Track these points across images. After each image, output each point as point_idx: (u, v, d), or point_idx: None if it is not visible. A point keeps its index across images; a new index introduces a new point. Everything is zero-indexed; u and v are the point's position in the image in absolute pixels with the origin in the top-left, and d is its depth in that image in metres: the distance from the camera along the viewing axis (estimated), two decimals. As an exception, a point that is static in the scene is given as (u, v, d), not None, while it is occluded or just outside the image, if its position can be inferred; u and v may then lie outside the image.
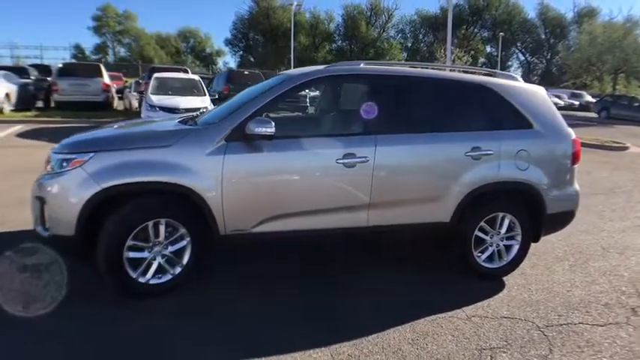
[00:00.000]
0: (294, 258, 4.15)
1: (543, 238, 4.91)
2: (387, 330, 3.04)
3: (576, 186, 4.11)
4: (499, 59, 49.88)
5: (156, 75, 11.76)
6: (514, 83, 3.99)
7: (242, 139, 3.26)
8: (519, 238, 3.90)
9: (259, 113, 3.33)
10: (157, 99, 10.18)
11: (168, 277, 3.34)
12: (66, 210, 3.12)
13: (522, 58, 61.63)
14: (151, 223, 3.20)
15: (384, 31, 61.36)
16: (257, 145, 3.30)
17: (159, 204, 3.23)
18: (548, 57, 58.28)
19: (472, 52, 34.63)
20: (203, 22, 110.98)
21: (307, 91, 10.55)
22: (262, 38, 61.56)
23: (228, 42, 65.24)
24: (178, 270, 3.36)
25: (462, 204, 3.66)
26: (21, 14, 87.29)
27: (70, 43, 67.30)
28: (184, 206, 3.26)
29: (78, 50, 61.87)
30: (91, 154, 3.16)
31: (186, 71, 15.94)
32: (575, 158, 4.00)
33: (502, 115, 3.83)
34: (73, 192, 3.11)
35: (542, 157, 3.86)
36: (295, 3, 40.93)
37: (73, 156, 3.20)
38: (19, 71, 16.21)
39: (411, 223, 3.62)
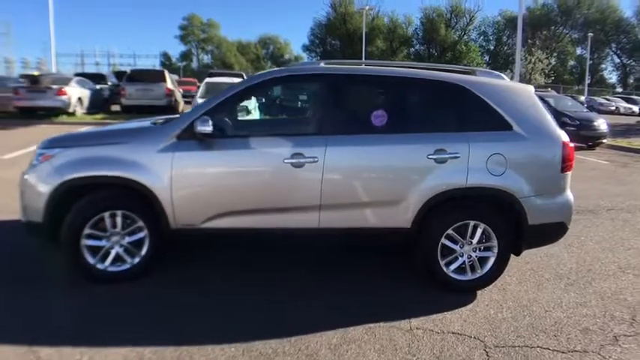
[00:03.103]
0: (249, 256, 4.16)
1: (551, 252, 4.58)
2: (315, 332, 2.96)
3: (568, 195, 3.71)
4: (588, 61, 45.93)
5: (207, 80, 12.37)
6: (493, 81, 3.69)
7: (192, 138, 3.36)
8: (495, 249, 3.59)
9: (211, 113, 3.40)
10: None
11: (127, 266, 3.52)
12: (35, 199, 3.42)
13: (617, 60, 56.28)
14: (107, 214, 3.40)
15: (464, 33, 59.25)
16: (208, 143, 3.38)
17: (113, 196, 3.43)
18: (648, 59, 52.60)
19: (555, 54, 32.24)
20: (282, 28, 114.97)
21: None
22: (339, 43, 62.21)
23: (305, 48, 66.76)
24: (137, 260, 3.53)
25: (424, 210, 3.45)
26: (118, 25, 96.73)
27: (160, 51, 72.92)
28: (139, 200, 3.42)
29: (165, 58, 66.87)
30: (58, 150, 3.44)
31: (241, 76, 16.58)
32: (565, 164, 3.61)
33: (475, 116, 3.56)
34: (41, 183, 3.41)
35: (523, 162, 3.53)
36: (367, 7, 40.87)
37: (45, 151, 3.50)
38: (97, 77, 17.86)
39: (366, 227, 3.48)
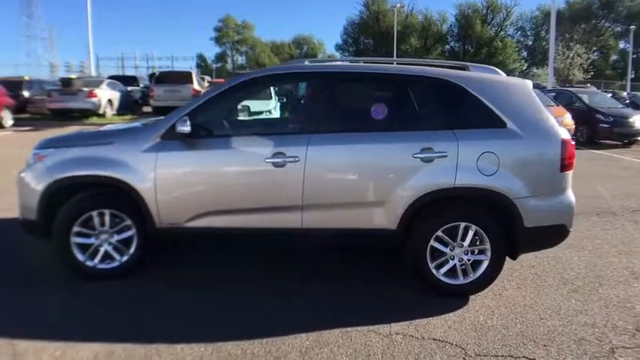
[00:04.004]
0: (238, 256, 4.16)
1: (559, 256, 4.35)
2: (290, 334, 2.90)
3: (569, 196, 3.50)
4: (631, 55, 43.49)
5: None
6: (486, 76, 3.51)
7: (175, 138, 3.38)
8: (489, 253, 3.42)
9: (193, 113, 3.40)
10: (222, 102, 10.75)
11: (116, 263, 3.58)
12: (30, 197, 3.52)
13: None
14: (95, 213, 3.46)
15: (501, 29, 57.63)
16: (190, 143, 3.38)
17: (101, 195, 3.49)
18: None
19: (595, 49, 30.81)
20: (316, 28, 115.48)
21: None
22: (372, 42, 61.79)
23: (338, 47, 66.61)
24: (126, 258, 3.58)
25: (411, 211, 3.33)
26: (157, 29, 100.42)
27: (196, 53, 74.69)
28: (126, 199, 3.46)
29: (201, 60, 68.37)
30: (51, 150, 3.54)
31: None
32: (565, 163, 3.40)
33: (466, 113, 3.41)
34: (35, 182, 3.51)
35: (517, 161, 3.36)
36: (399, 5, 40.43)
37: (40, 151, 3.61)
38: (129, 80, 18.42)
39: (350, 228, 3.40)
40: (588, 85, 24.93)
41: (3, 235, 4.58)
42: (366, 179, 3.35)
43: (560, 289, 3.73)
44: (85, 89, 14.75)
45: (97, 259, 3.54)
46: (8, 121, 13.14)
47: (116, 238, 3.54)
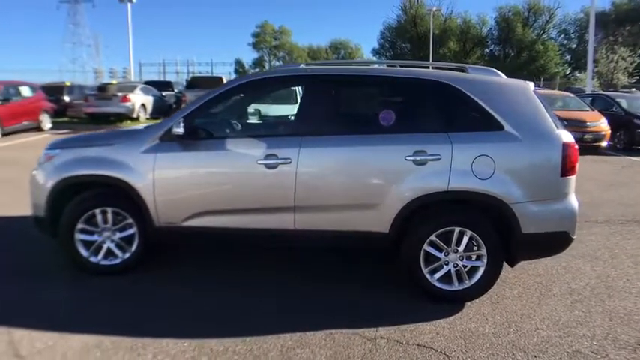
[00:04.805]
0: (231, 256, 4.22)
1: (571, 265, 4.21)
2: (273, 334, 2.93)
3: (572, 202, 3.37)
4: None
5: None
6: (484, 78, 3.43)
7: (172, 139, 3.48)
8: (485, 259, 3.34)
9: (190, 116, 3.50)
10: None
11: (119, 260, 3.71)
12: (39, 195, 3.72)
13: None
14: (98, 211, 3.62)
15: (543, 32, 55.84)
16: (187, 144, 3.48)
17: (103, 194, 3.64)
18: None
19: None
20: (353, 33, 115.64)
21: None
22: (410, 46, 61.19)
23: (375, 52, 66.23)
24: (128, 255, 3.71)
25: (403, 214, 3.30)
26: (197, 35, 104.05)
27: (235, 58, 76.40)
28: (127, 198, 3.59)
29: (239, 65, 69.75)
30: (58, 151, 3.73)
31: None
32: (566, 167, 3.28)
33: (462, 115, 3.36)
34: (44, 181, 3.71)
35: (515, 165, 3.27)
36: (435, 8, 39.92)
37: (49, 152, 3.81)
38: (164, 85, 19.02)
39: (342, 230, 3.39)
40: (633, 89, 23.80)
41: (12, 233, 4.79)
42: (357, 182, 3.34)
43: (565, 299, 3.58)
44: (119, 94, 15.40)
45: (100, 256, 3.68)
46: (47, 124, 13.85)
47: (118, 235, 3.68)
